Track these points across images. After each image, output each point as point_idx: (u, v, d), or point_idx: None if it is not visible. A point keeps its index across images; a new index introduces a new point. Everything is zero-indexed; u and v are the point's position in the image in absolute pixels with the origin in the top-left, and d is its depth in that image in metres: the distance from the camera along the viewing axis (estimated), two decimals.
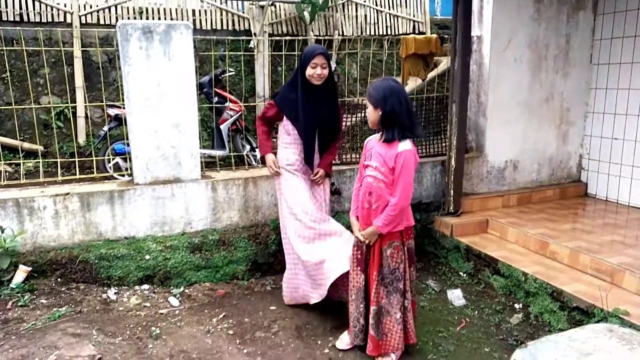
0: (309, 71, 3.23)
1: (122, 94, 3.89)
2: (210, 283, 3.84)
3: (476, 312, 3.50)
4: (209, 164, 5.11)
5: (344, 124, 4.76)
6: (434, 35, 5.10)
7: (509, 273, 3.69)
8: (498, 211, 4.69)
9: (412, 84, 6.13)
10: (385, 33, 8.31)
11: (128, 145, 4.04)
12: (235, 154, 5.28)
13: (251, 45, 6.94)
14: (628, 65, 4.61)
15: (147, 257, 3.68)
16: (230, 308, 3.49)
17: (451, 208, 4.52)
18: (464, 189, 4.61)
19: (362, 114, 5.10)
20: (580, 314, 3.13)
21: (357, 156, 4.65)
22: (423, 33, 8.33)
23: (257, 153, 4.93)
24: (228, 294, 3.72)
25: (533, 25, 4.71)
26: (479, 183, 4.89)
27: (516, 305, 3.52)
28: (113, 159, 5.17)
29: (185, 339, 3.02)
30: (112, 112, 5.24)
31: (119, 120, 5.18)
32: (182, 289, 3.71)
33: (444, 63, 5.92)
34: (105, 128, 5.20)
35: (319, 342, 3.06)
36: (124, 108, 4.22)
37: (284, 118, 3.40)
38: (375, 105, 2.64)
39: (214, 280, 3.88)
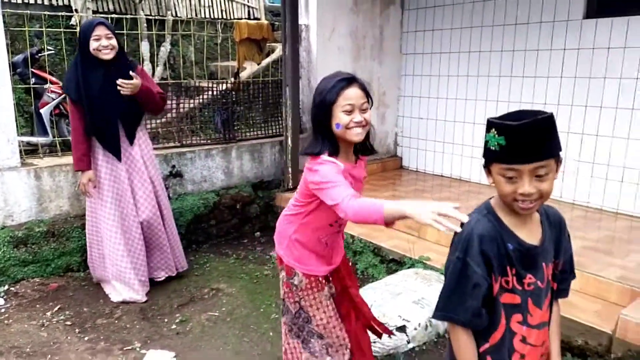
0: (93, 45, 2.97)
1: None
2: (40, 278, 3.57)
3: None
4: (31, 153, 4.64)
5: (182, 107, 4.77)
6: (266, 22, 5.35)
7: None
8: None
9: (249, 68, 6.32)
10: (220, 17, 8.32)
11: None
12: (61, 139, 4.87)
13: (72, 22, 6.37)
14: (428, 55, 5.44)
15: None
16: (66, 300, 3.32)
17: (290, 184, 4.87)
18: (300, 167, 4.98)
19: (202, 97, 5.13)
20: (396, 264, 3.71)
21: (198, 139, 4.69)
22: (258, 19, 8.54)
23: None
24: (62, 286, 3.51)
25: (352, 17, 5.25)
26: None
27: None
28: None
29: (15, 335, 2.81)
30: None
31: None
32: (6, 287, 3.39)
33: (279, 49, 6.22)
34: None
35: (166, 320, 3.12)
36: None
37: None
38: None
39: (44, 275, 3.61)
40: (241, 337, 2.93)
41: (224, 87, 5.07)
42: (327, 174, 1.70)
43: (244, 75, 5.83)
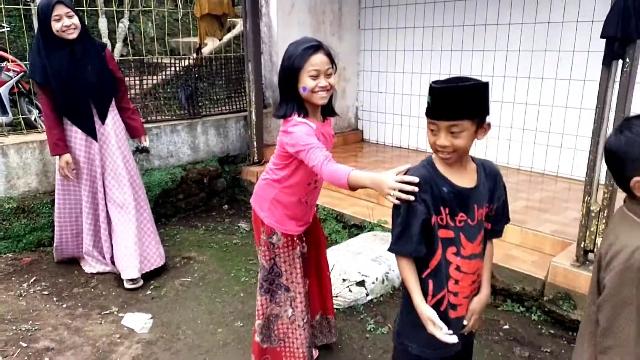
0: (55, 26, 2.90)
1: None
2: (13, 253, 3.66)
3: None
4: None
5: (145, 84, 4.82)
6: None
7: None
8: None
9: (210, 44, 6.35)
10: None
11: None
12: (24, 117, 4.85)
13: None
14: (385, 30, 5.65)
15: None
16: (40, 272, 3.43)
17: (255, 158, 5.04)
18: (265, 141, 5.14)
19: (164, 74, 5.18)
20: (357, 229, 3.98)
21: (162, 116, 4.77)
22: None
23: None
24: (35, 260, 3.61)
25: None
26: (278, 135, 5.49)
27: None
28: None
29: None
30: None
31: None
32: None
33: (240, 25, 6.28)
34: None
35: (140, 287, 3.28)
36: None
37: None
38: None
39: (16, 250, 3.70)
40: (214, 299, 3.14)
41: (186, 63, 5.13)
42: (300, 136, 1.86)
43: (205, 51, 5.89)
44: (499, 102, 4.77)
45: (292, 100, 1.94)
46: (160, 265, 3.44)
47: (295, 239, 2.19)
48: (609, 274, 1.20)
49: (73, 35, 2.95)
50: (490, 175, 1.61)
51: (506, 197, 1.67)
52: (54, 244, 3.51)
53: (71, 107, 3.07)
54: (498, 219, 1.65)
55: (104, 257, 3.42)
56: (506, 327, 2.85)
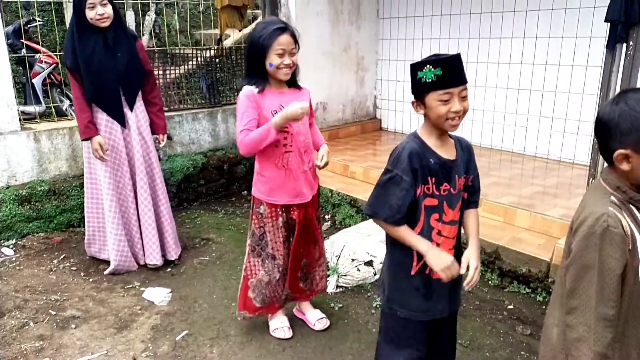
0: (89, 14, 2.95)
1: None
2: (44, 233, 3.91)
3: None
4: (26, 121, 4.89)
5: (168, 74, 5.01)
6: None
7: (320, 192, 4.48)
8: None
9: (232, 36, 6.52)
10: None
11: None
12: (54, 105, 5.12)
13: None
14: (404, 19, 5.69)
15: None
16: (69, 250, 3.66)
17: None
18: None
19: (187, 65, 5.37)
20: None
21: (184, 105, 4.96)
22: None
23: None
24: (65, 240, 3.85)
25: None
26: None
27: (326, 217, 4.36)
28: None
29: (28, 278, 3.17)
30: None
31: None
32: (14, 241, 3.72)
33: (261, 17, 6.42)
34: None
35: (162, 265, 3.46)
36: None
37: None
38: None
39: (48, 230, 3.94)
40: (229, 276, 3.30)
41: (208, 54, 5.30)
42: (238, 108, 2.23)
43: (227, 42, 6.06)
44: (515, 90, 4.78)
45: (257, 74, 2.23)
46: (175, 257, 3.50)
47: (278, 209, 2.39)
48: (575, 239, 1.28)
49: (106, 23, 3.00)
50: (465, 149, 1.74)
51: (478, 173, 1.81)
52: (85, 240, 3.49)
53: (100, 93, 3.09)
54: (473, 190, 1.79)
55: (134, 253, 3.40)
56: (510, 307, 2.91)
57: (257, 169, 2.40)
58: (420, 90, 1.61)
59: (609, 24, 2.51)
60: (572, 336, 1.27)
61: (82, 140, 3.17)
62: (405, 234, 1.66)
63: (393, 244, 1.74)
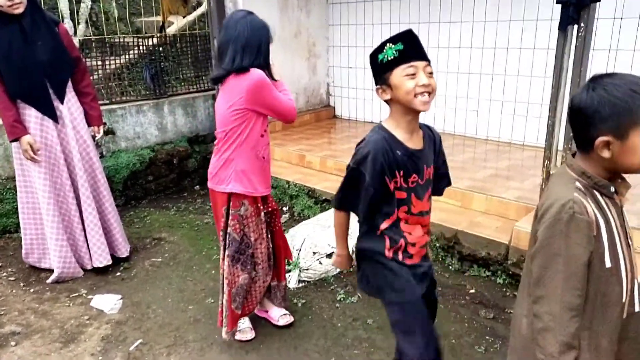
0: None
1: None
2: None
3: None
4: None
5: (108, 65, 4.70)
6: None
7: (277, 184, 4.38)
8: None
9: (176, 23, 6.21)
10: None
11: None
12: None
13: None
14: (354, 4, 5.59)
15: None
16: (7, 259, 3.38)
17: None
18: None
19: (128, 55, 5.05)
20: (329, 204, 4.00)
21: (127, 97, 4.67)
22: None
23: None
24: (1, 247, 3.55)
25: None
26: None
27: (284, 209, 4.25)
28: None
29: None
30: None
31: None
32: None
33: (205, 3, 6.14)
34: None
35: (110, 269, 3.24)
36: None
37: None
38: None
39: None
40: (184, 277, 3.14)
41: (151, 42, 5.01)
42: (266, 85, 2.15)
43: (171, 30, 5.76)
44: (466, 74, 4.81)
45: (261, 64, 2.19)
46: (126, 254, 3.34)
47: (259, 205, 2.34)
48: (541, 226, 1.24)
49: (19, 9, 2.71)
50: (434, 136, 1.72)
51: (445, 159, 1.79)
52: (22, 250, 3.22)
53: (24, 88, 2.85)
54: (441, 178, 1.78)
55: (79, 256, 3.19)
56: (472, 291, 2.93)
57: (234, 166, 2.24)
58: (383, 70, 1.57)
59: (560, 5, 2.51)
60: (538, 326, 1.25)
61: (10, 142, 2.91)
62: (336, 225, 1.75)
63: (366, 233, 1.72)
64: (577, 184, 1.24)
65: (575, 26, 2.50)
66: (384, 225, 1.65)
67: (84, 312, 2.76)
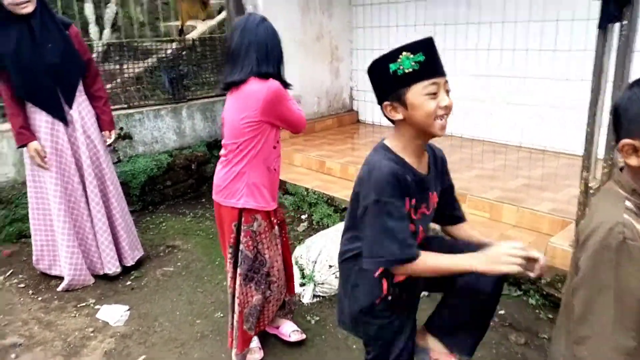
0: (6, 0, 2.58)
1: None
2: None
3: None
4: None
5: (131, 70, 4.66)
6: None
7: (295, 191, 4.24)
8: (285, 142, 5.21)
9: (199, 27, 6.17)
10: None
11: None
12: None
13: None
14: (377, 6, 5.42)
15: None
16: (19, 265, 3.33)
17: None
18: None
19: (152, 60, 5.01)
20: None
21: (144, 102, 4.61)
22: None
23: None
24: (16, 252, 3.51)
25: None
26: None
27: (302, 217, 4.10)
28: None
29: None
30: None
31: None
32: None
33: (226, 7, 6.07)
34: None
35: (120, 277, 3.15)
36: None
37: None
38: None
39: None
40: (195, 288, 3.01)
41: (171, 46, 4.96)
42: (283, 95, 2.06)
43: (193, 34, 5.71)
44: (498, 77, 4.56)
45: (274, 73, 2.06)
46: (132, 263, 3.23)
47: (272, 219, 2.22)
48: (584, 254, 1.04)
49: (28, 9, 2.60)
50: (439, 159, 1.49)
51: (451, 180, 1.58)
52: (33, 256, 3.15)
53: (33, 89, 2.76)
54: (453, 202, 1.57)
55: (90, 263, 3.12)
56: (501, 312, 2.70)
57: (246, 179, 2.10)
58: (397, 85, 1.30)
59: (599, 1, 2.28)
60: None
61: (17, 148, 2.87)
62: (433, 262, 1.31)
63: (358, 275, 1.49)
64: (627, 203, 1.04)
65: (617, 24, 2.26)
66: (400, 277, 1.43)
67: (89, 323, 2.66)
